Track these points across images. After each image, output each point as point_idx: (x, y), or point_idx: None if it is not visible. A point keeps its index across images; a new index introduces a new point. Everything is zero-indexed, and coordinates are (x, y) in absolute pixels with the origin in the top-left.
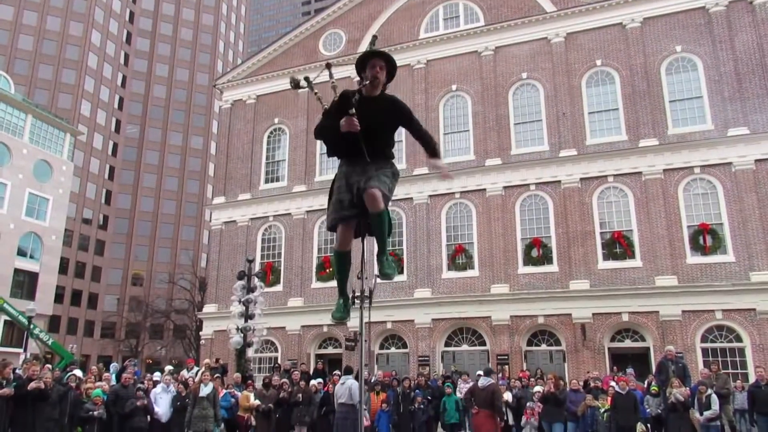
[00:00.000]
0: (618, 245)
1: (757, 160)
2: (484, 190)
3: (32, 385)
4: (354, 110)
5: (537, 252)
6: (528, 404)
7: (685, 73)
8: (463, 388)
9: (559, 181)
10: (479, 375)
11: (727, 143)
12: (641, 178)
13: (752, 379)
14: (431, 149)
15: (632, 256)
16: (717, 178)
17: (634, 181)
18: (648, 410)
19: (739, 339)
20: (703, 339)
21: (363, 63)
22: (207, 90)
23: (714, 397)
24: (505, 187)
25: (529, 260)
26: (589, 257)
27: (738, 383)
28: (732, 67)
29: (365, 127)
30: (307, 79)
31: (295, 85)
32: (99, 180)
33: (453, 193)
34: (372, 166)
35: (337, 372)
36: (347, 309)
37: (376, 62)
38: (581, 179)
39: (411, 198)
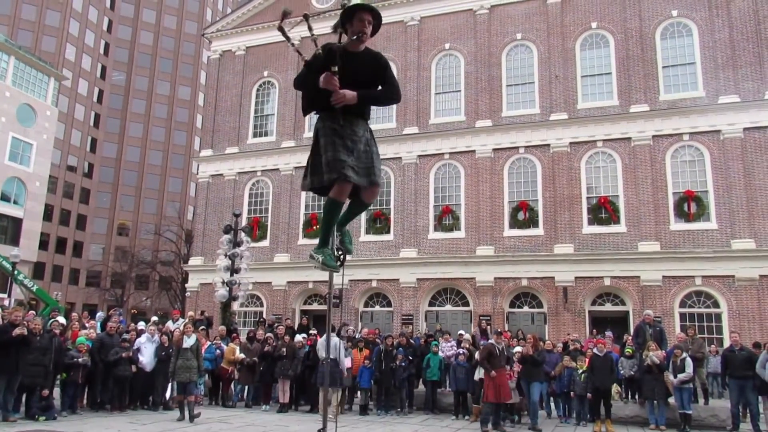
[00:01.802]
0: (603, 210)
1: (745, 129)
2: (474, 151)
3: (16, 331)
4: (336, 68)
5: (523, 215)
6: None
7: (680, 39)
8: (444, 347)
9: (549, 145)
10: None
11: (718, 110)
12: (630, 144)
13: (727, 344)
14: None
15: (617, 221)
16: (705, 145)
17: (623, 147)
18: (621, 371)
19: (716, 305)
20: (682, 304)
21: (350, 16)
22: (195, 39)
23: (688, 360)
24: (494, 150)
25: (515, 223)
26: (575, 221)
27: (712, 347)
28: (727, 33)
29: (347, 84)
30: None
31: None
32: (84, 127)
33: (442, 153)
34: (359, 128)
35: (313, 330)
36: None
37: (364, 16)
38: (571, 143)
39: (400, 157)
